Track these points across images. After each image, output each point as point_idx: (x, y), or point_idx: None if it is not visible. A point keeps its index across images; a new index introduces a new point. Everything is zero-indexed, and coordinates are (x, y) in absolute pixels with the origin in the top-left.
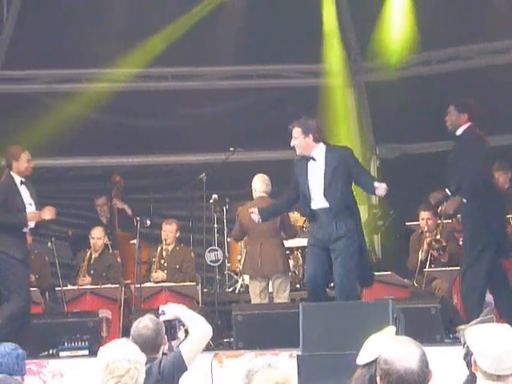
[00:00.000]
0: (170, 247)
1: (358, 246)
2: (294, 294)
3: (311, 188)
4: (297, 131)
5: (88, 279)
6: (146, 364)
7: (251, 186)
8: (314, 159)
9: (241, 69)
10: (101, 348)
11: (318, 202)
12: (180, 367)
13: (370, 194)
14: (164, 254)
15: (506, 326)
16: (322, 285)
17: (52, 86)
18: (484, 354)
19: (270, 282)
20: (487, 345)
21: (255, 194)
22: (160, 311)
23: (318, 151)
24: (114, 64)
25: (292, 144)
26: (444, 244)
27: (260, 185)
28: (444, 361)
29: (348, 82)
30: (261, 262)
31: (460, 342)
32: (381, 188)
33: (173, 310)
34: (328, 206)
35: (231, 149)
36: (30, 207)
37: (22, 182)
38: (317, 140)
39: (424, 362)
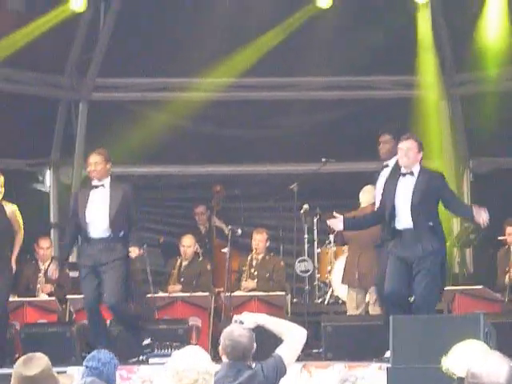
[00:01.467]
0: (260, 256)
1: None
2: None
3: (398, 206)
4: (413, 144)
5: (178, 287)
6: (245, 371)
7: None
8: (412, 174)
9: (334, 79)
10: (173, 353)
11: (404, 220)
12: (282, 371)
13: (464, 218)
14: (254, 263)
15: None
16: (406, 297)
17: (145, 95)
18: None
19: (368, 294)
20: None
21: (361, 205)
22: (236, 320)
23: (416, 169)
24: (207, 73)
25: (403, 157)
26: None
27: (365, 195)
28: None
29: (442, 95)
30: (358, 272)
31: None
32: (480, 212)
33: (251, 318)
34: (412, 226)
35: (323, 159)
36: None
37: (95, 186)
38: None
39: None
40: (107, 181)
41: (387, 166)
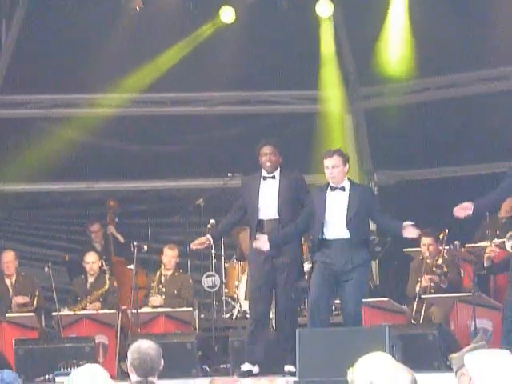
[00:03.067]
0: (169, 272)
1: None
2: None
3: (329, 218)
4: (338, 160)
5: (85, 304)
6: None
7: None
8: (343, 190)
9: (239, 94)
10: (73, 371)
11: (336, 231)
12: None
13: (392, 233)
14: (163, 279)
15: (504, 351)
16: (327, 308)
17: (50, 111)
18: (483, 379)
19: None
20: (486, 370)
21: None
22: None
23: (346, 183)
24: (112, 89)
25: (330, 172)
26: (445, 269)
27: None
28: None
29: (346, 109)
30: None
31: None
32: (409, 229)
33: None
34: (348, 237)
35: (229, 174)
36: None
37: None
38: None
39: None
40: None
41: (274, 177)
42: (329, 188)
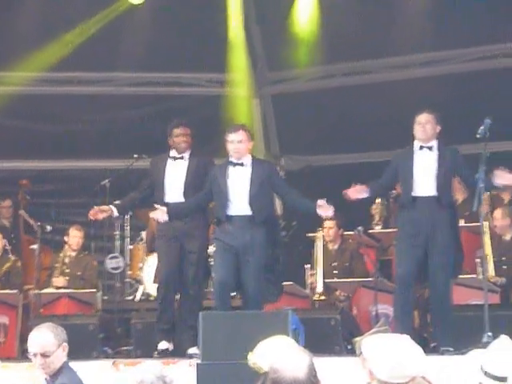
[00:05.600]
0: (74, 253)
1: (277, 259)
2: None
3: (232, 194)
4: (243, 135)
5: None
6: None
7: None
8: (242, 165)
9: (146, 76)
10: None
11: (239, 208)
12: None
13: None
14: (67, 260)
15: (404, 336)
16: (233, 287)
17: None
18: (379, 362)
19: None
20: (382, 354)
21: None
22: None
23: (248, 159)
24: (18, 67)
25: (234, 147)
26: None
27: None
28: (343, 372)
29: (254, 93)
30: None
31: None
32: (324, 206)
33: None
34: (251, 214)
35: (135, 156)
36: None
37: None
38: (251, 149)
39: (312, 372)
40: None
41: (182, 157)
42: (229, 164)
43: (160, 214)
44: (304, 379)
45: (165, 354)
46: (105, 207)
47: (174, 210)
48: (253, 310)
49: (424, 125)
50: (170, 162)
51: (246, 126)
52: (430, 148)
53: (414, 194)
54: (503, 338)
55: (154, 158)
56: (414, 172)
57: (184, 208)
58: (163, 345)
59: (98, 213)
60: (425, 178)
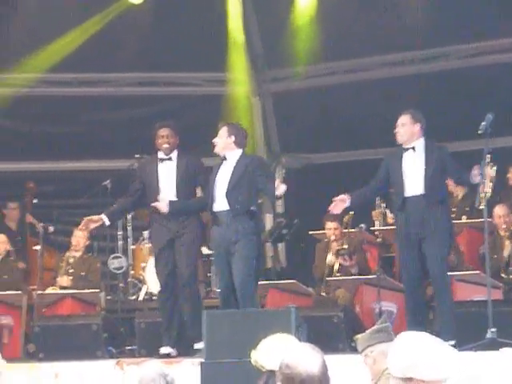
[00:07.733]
0: (78, 254)
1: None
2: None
3: (216, 190)
4: (224, 130)
5: None
6: None
7: None
8: (225, 159)
9: (146, 76)
10: None
11: (220, 204)
12: None
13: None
14: (71, 260)
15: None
16: (234, 292)
17: None
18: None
19: None
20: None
21: None
22: None
23: (235, 155)
24: (18, 68)
25: (215, 140)
26: (347, 247)
27: None
28: (346, 369)
29: (254, 91)
30: None
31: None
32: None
33: None
34: (228, 208)
35: (136, 156)
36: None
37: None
38: (238, 144)
39: (325, 368)
40: None
41: (170, 158)
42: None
43: (162, 205)
44: (318, 375)
45: (167, 357)
46: (95, 217)
47: (175, 205)
48: (243, 300)
49: (399, 128)
50: (159, 163)
51: (232, 124)
52: (413, 148)
53: (405, 194)
54: None
55: (140, 161)
56: (402, 173)
57: (187, 205)
58: (166, 349)
59: (89, 223)
60: (413, 178)
